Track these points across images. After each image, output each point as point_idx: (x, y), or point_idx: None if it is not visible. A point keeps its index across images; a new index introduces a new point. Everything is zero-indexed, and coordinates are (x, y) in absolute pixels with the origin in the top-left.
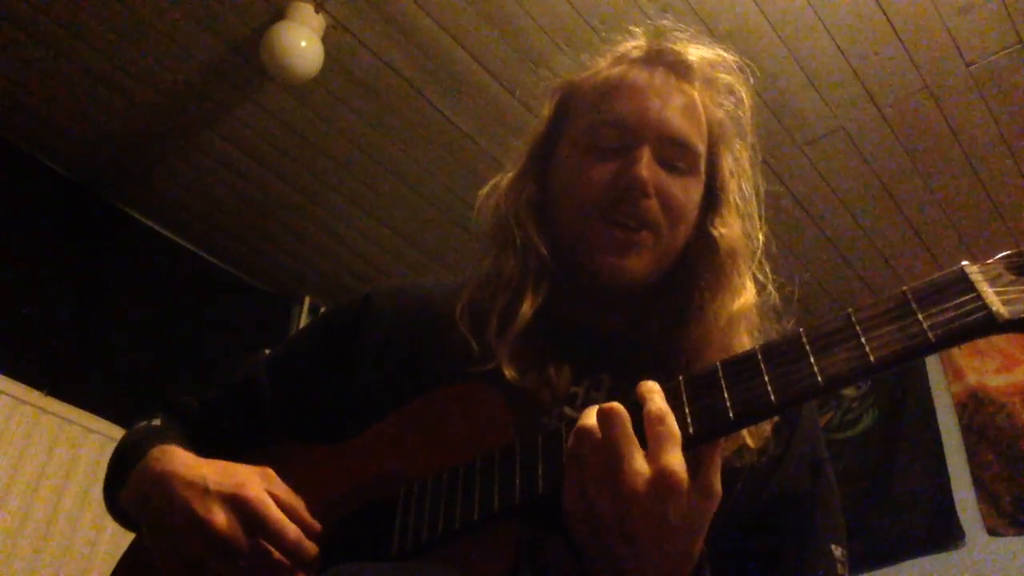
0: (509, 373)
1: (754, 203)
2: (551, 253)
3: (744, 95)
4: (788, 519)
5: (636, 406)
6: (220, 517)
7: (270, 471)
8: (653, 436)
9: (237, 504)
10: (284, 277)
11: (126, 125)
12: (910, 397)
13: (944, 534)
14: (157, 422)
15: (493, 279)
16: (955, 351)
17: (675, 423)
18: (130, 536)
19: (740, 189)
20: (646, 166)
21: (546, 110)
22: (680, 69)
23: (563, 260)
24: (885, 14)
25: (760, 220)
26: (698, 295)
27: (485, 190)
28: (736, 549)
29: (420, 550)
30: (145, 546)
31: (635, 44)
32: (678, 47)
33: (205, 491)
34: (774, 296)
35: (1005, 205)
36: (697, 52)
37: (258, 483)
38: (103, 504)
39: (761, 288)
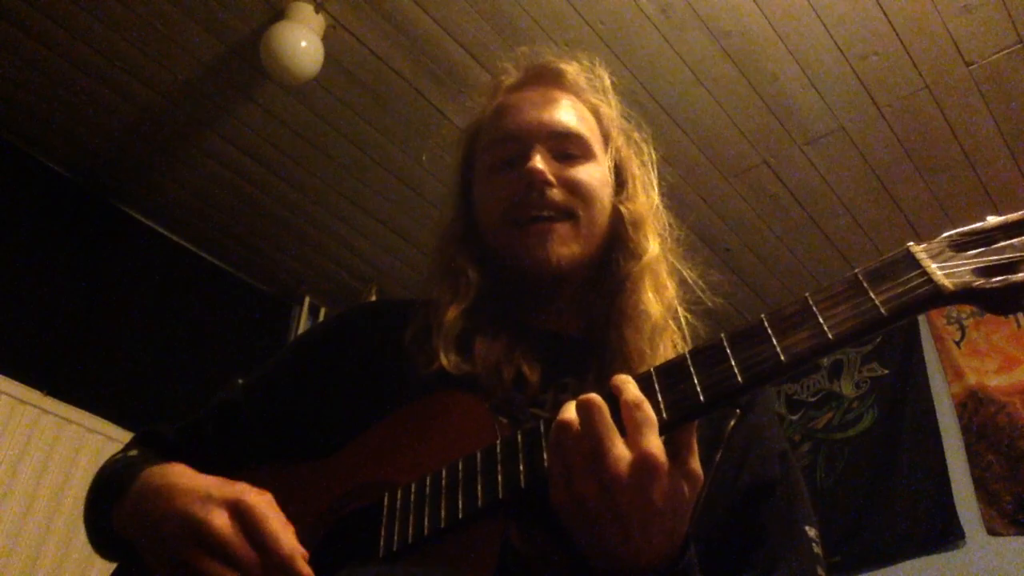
0: (448, 363)
1: (650, 170)
2: (486, 273)
3: (611, 89)
4: (764, 506)
5: (611, 397)
6: (219, 520)
7: (269, 494)
8: (631, 422)
9: (237, 509)
10: (284, 277)
11: (126, 125)
12: (910, 397)
13: (944, 534)
14: (134, 453)
15: (433, 305)
16: (955, 351)
17: (651, 409)
18: None
19: (640, 163)
20: (539, 161)
21: (457, 157)
22: (552, 78)
23: (502, 275)
24: (885, 14)
25: (656, 179)
26: (616, 270)
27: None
28: (716, 536)
29: (407, 552)
30: (138, 561)
31: (507, 75)
32: (544, 61)
33: (207, 496)
34: (672, 250)
35: (1005, 205)
36: (563, 62)
37: (258, 494)
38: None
39: (663, 240)
